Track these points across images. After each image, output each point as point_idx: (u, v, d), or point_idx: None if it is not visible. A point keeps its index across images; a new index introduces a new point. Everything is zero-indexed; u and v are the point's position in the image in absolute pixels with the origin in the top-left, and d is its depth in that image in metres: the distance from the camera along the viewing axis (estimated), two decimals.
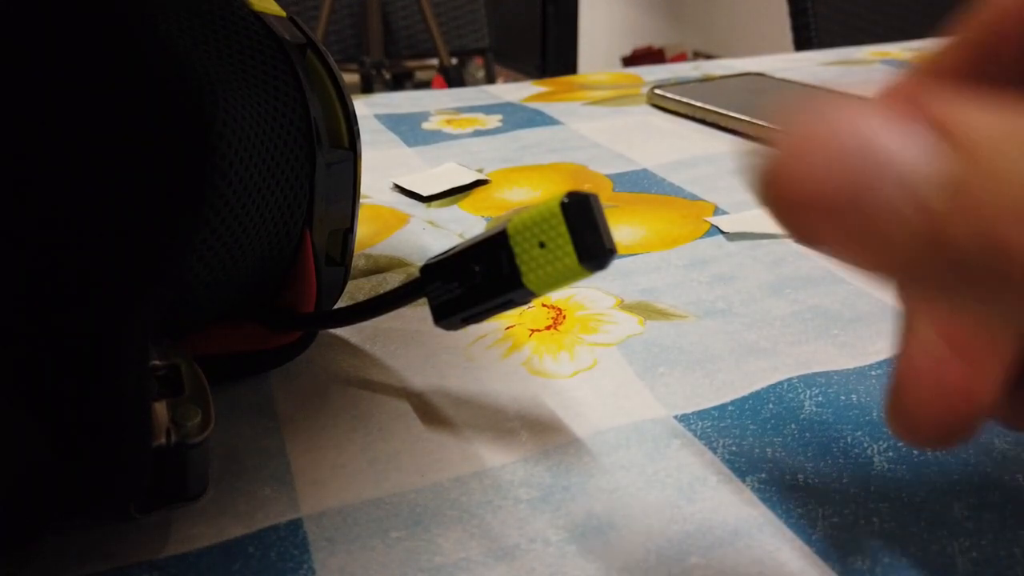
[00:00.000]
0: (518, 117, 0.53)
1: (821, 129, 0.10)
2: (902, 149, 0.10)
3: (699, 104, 0.50)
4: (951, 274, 0.10)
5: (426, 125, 0.52)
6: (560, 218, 0.17)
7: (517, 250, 0.18)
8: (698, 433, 0.22)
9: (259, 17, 0.23)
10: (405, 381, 0.24)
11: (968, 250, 0.09)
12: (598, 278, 0.30)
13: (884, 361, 0.25)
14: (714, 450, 0.21)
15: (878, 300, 0.28)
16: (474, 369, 0.25)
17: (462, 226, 0.36)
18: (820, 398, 0.23)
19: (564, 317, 0.28)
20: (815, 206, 0.10)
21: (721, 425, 0.22)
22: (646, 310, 0.28)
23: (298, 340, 0.25)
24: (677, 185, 0.40)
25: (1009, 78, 0.14)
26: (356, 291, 0.30)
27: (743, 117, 0.47)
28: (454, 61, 1.74)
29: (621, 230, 0.35)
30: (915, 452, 0.21)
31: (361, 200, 0.39)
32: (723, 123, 0.48)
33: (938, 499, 0.19)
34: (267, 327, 0.24)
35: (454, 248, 0.19)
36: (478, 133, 0.50)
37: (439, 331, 0.27)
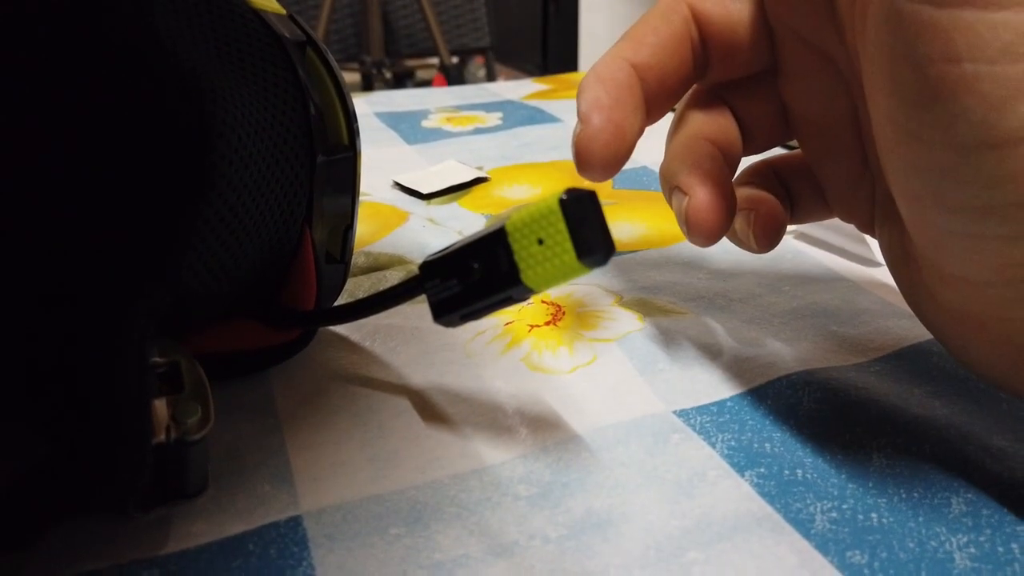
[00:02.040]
0: (518, 115, 0.53)
1: None
2: None
3: None
4: None
5: (426, 123, 0.52)
6: (559, 215, 0.17)
7: (516, 247, 0.18)
8: (697, 428, 0.22)
9: (259, 15, 0.23)
10: (404, 378, 0.24)
11: None
12: (597, 275, 0.30)
13: (883, 358, 0.25)
14: (713, 445, 0.21)
15: (877, 297, 0.28)
16: (473, 365, 0.25)
17: (461, 223, 0.36)
18: (819, 394, 0.23)
19: (563, 313, 0.28)
20: None
21: (720, 420, 0.22)
22: (645, 306, 0.28)
23: (298, 337, 0.25)
24: None
25: None
26: (356, 288, 0.30)
27: None
28: (455, 60, 1.74)
29: (620, 227, 0.35)
30: (914, 448, 0.21)
31: (361, 198, 0.39)
32: None
33: (936, 495, 0.19)
34: (267, 325, 0.24)
35: (453, 245, 0.19)
36: (478, 131, 0.50)
37: (438, 328, 0.27)
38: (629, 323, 0.27)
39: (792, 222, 0.24)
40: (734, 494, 0.19)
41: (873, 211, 0.22)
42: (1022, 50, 0.14)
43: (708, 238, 0.21)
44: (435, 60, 1.74)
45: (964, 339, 0.19)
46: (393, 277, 0.31)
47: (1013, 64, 0.15)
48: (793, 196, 0.24)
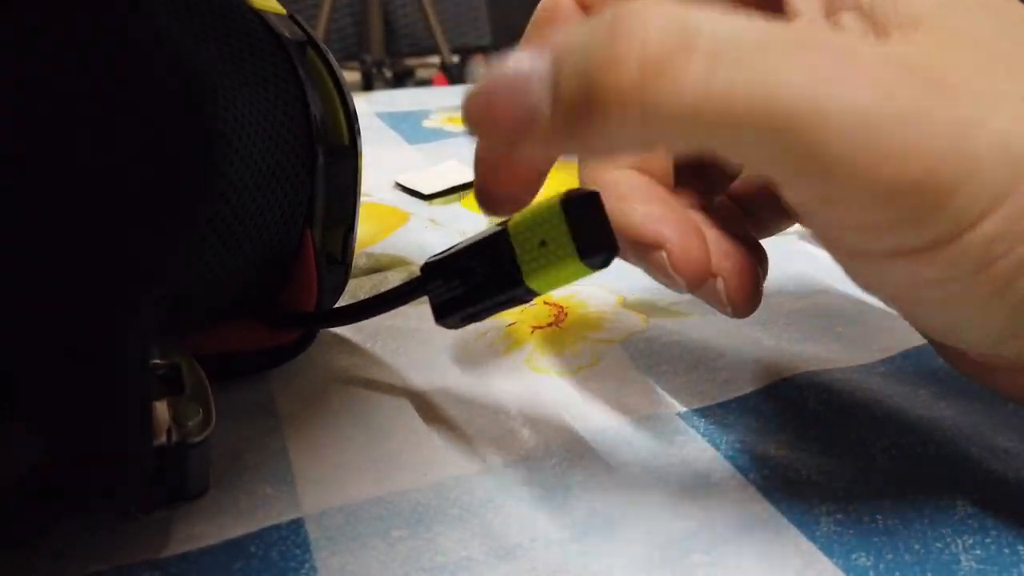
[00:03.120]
0: None
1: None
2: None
3: None
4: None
5: (427, 123, 0.52)
6: (561, 216, 0.17)
7: (518, 248, 0.18)
8: (701, 430, 0.22)
9: (259, 15, 0.23)
10: (406, 380, 0.24)
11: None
12: (600, 276, 0.30)
13: (888, 359, 0.25)
14: (717, 447, 0.21)
15: None
16: (475, 367, 0.25)
17: (463, 224, 0.36)
18: (823, 395, 0.23)
19: (566, 314, 0.28)
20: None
21: (724, 422, 0.22)
22: (649, 307, 0.28)
23: (299, 339, 0.25)
24: None
25: None
26: (357, 290, 0.30)
27: None
28: (455, 59, 1.74)
29: None
30: (919, 450, 0.21)
31: (362, 198, 0.39)
32: None
33: (941, 496, 0.19)
34: (268, 326, 0.24)
35: (455, 246, 0.19)
36: None
37: (440, 329, 0.26)
38: (632, 324, 0.27)
39: (763, 236, 0.22)
40: (738, 496, 0.19)
41: None
42: (981, 262, 0.15)
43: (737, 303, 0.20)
44: (436, 59, 1.74)
45: (954, 361, 0.19)
46: (395, 278, 0.31)
47: (983, 273, 0.15)
48: (756, 213, 0.22)
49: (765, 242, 0.27)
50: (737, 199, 0.23)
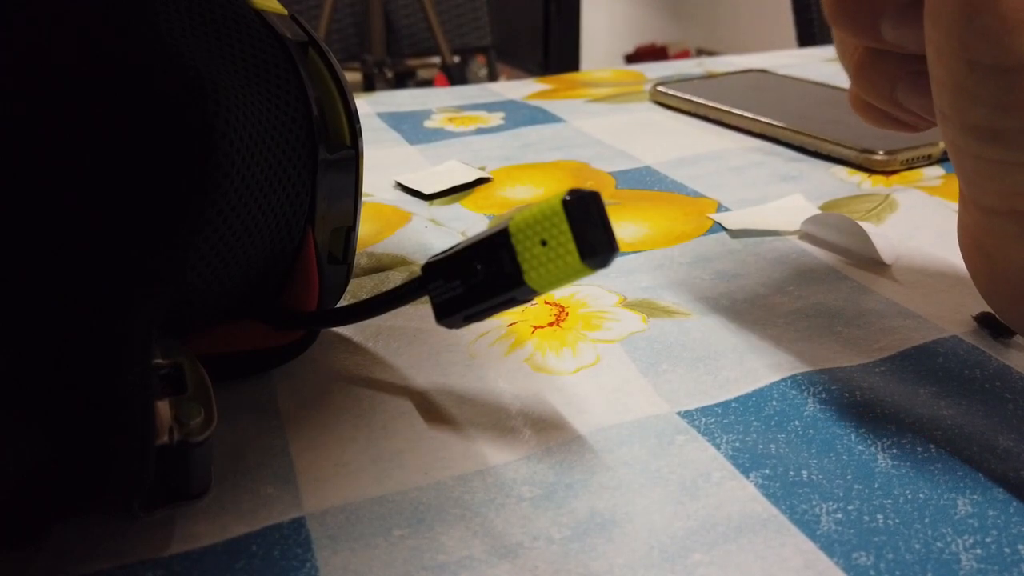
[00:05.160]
0: (520, 115, 0.53)
1: None
2: None
3: (702, 101, 0.50)
4: None
5: (428, 123, 0.52)
6: (562, 216, 0.17)
7: (519, 248, 0.18)
8: (701, 429, 0.22)
9: (261, 15, 0.23)
10: (407, 379, 0.24)
11: None
12: (600, 276, 0.30)
13: (888, 358, 0.25)
14: (717, 446, 0.21)
15: (882, 297, 0.28)
16: (476, 367, 0.25)
17: (464, 224, 0.36)
18: (823, 395, 0.23)
19: (566, 314, 0.28)
20: None
21: (724, 421, 0.22)
22: (649, 307, 0.28)
23: (301, 339, 0.25)
24: (680, 182, 0.40)
25: None
26: (358, 289, 0.30)
27: (746, 114, 0.47)
28: (456, 59, 1.74)
29: (623, 228, 0.35)
30: (919, 449, 0.21)
31: (363, 198, 0.39)
32: (726, 120, 0.48)
33: (942, 496, 0.19)
34: (270, 326, 0.24)
35: (456, 246, 0.19)
36: (480, 131, 0.50)
37: (441, 329, 0.27)
38: (632, 324, 0.27)
39: None
40: (739, 495, 0.19)
41: None
42: None
43: None
44: (437, 59, 1.74)
45: (975, 266, 0.21)
46: (396, 278, 0.31)
47: None
48: None
49: (762, 243, 0.28)
50: None
